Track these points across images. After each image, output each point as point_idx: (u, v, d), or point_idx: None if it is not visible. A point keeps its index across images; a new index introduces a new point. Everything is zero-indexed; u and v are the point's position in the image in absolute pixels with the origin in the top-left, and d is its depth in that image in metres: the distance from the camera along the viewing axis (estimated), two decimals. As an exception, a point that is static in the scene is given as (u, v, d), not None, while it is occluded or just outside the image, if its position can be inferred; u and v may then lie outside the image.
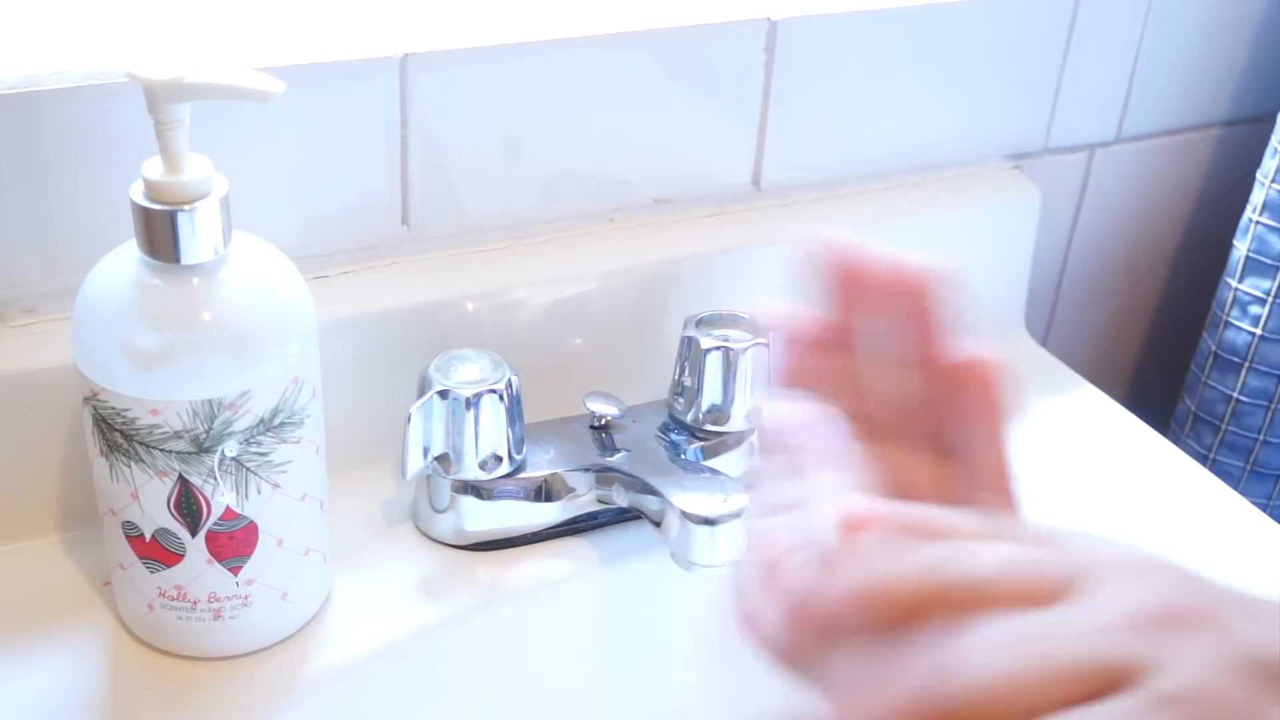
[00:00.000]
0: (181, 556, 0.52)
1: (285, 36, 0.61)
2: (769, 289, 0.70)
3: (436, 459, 0.59)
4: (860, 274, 0.37)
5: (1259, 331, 0.81)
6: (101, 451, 0.50)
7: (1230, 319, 0.82)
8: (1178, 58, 0.83)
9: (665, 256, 0.69)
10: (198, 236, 0.48)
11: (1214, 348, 0.84)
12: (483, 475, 0.59)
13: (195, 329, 0.49)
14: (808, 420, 0.36)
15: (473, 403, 0.58)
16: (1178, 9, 0.80)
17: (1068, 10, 0.76)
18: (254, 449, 0.50)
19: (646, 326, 0.69)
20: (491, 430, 0.58)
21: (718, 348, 0.62)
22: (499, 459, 0.59)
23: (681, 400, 0.64)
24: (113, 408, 0.49)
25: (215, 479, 0.50)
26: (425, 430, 0.58)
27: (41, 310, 0.59)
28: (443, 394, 0.58)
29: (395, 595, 0.59)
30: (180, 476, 0.50)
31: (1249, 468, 0.84)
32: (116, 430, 0.49)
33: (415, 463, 0.58)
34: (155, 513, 0.51)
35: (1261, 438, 0.83)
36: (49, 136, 0.55)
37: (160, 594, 0.53)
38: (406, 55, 0.61)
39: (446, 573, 0.60)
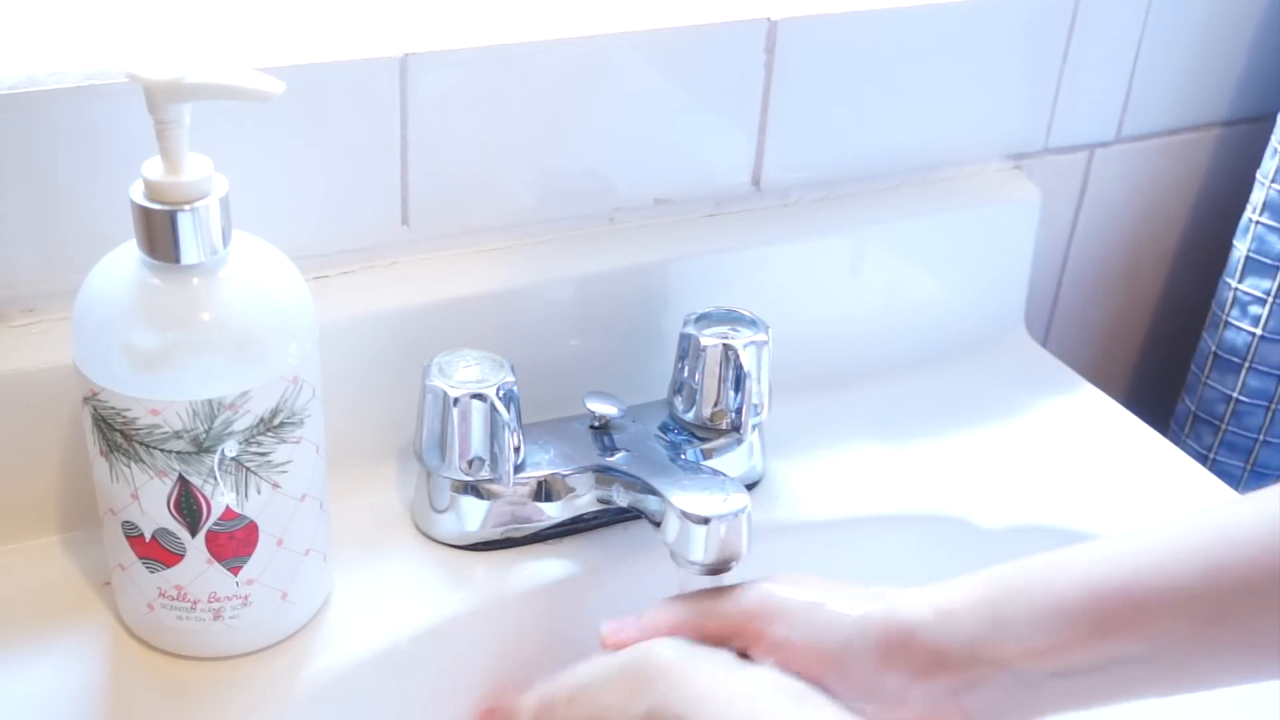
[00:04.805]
0: (181, 556, 0.52)
1: (285, 36, 0.61)
2: (769, 288, 0.70)
3: (437, 459, 0.59)
4: None
5: (1259, 331, 0.81)
6: (101, 451, 0.50)
7: (1230, 319, 0.82)
8: (1178, 58, 0.83)
9: (665, 256, 0.69)
10: (198, 236, 0.48)
11: (1214, 348, 0.84)
12: (483, 475, 0.59)
13: (195, 329, 0.49)
14: None
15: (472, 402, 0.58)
16: (1178, 9, 0.80)
17: (1068, 10, 0.76)
18: (254, 449, 0.50)
19: (646, 326, 0.69)
20: (492, 430, 0.58)
21: (717, 345, 0.62)
22: (499, 459, 0.59)
23: (681, 399, 0.64)
24: (113, 408, 0.49)
25: (215, 479, 0.50)
26: (426, 430, 0.58)
27: (42, 310, 0.59)
28: (444, 394, 0.58)
29: (395, 595, 0.59)
30: (180, 476, 0.50)
31: (1249, 468, 0.84)
32: (116, 430, 0.49)
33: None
34: (155, 513, 0.51)
35: (1261, 438, 0.83)
36: (49, 136, 0.55)
37: (160, 594, 0.53)
38: (406, 55, 0.61)
39: (446, 573, 0.60)
